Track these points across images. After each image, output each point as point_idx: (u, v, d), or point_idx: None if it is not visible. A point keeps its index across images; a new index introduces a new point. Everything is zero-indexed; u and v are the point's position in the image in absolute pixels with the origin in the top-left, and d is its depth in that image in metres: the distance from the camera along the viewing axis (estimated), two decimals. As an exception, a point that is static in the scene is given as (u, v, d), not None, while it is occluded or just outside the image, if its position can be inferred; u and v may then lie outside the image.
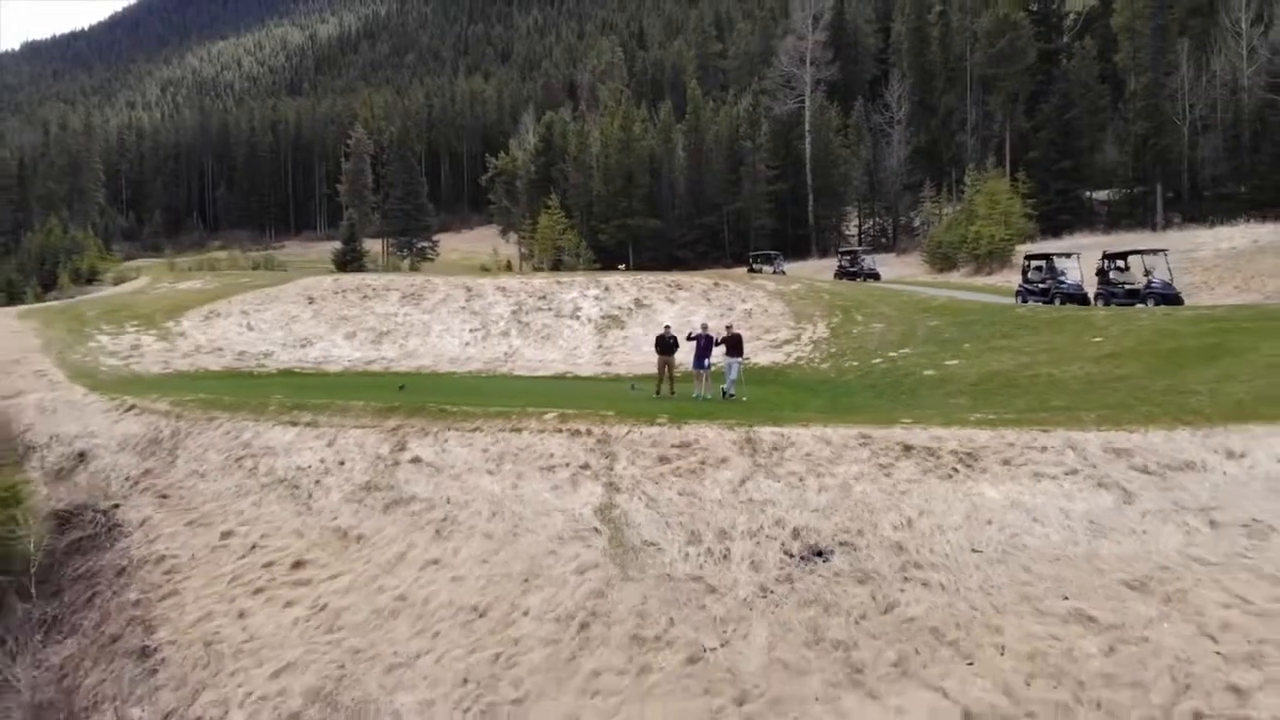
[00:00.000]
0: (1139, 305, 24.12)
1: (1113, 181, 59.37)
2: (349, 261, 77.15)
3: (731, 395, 18.11)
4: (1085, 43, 60.14)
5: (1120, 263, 26.32)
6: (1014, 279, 31.57)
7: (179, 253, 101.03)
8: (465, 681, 9.35)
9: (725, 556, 10.73)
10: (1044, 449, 12.35)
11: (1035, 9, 62.14)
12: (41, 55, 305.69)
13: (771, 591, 9.98)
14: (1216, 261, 31.19)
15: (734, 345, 18.42)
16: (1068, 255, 28.26)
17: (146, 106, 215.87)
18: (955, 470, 11.95)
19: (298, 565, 12.36)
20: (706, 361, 18.30)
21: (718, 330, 19.65)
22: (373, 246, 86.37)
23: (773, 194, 68.16)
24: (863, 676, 8.55)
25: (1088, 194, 59.39)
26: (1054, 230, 51.67)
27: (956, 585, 9.70)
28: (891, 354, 22.73)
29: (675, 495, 12.21)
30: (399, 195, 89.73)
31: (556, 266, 61.15)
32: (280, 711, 9.74)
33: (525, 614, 10.20)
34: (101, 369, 24.67)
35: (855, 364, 23.01)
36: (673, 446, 13.34)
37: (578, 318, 30.35)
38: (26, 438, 19.49)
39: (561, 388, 22.11)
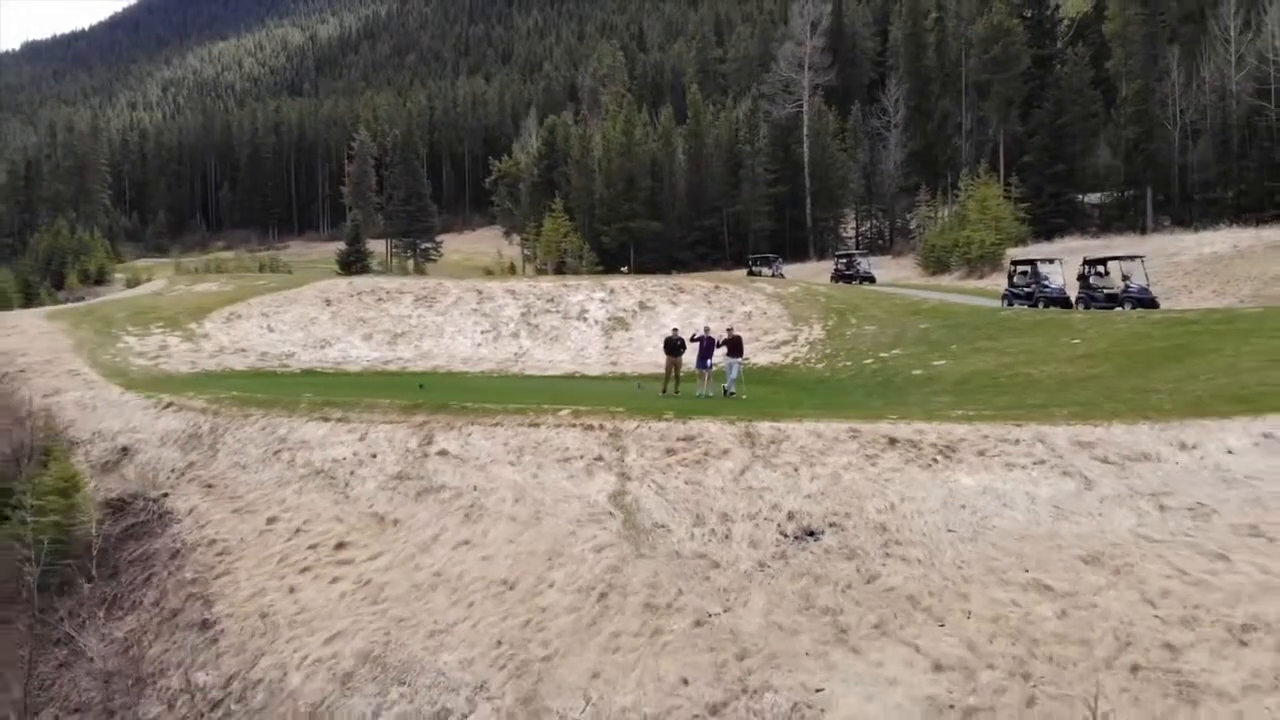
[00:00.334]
0: (1117, 309, 25.45)
1: (1104, 185, 60.73)
2: (353, 262, 78.36)
3: (732, 393, 19.37)
4: (1078, 49, 61.41)
5: (1100, 268, 27.66)
6: (1003, 282, 32.90)
7: (183, 253, 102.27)
8: (500, 643, 10.64)
9: (727, 536, 12.01)
10: (1016, 441, 13.62)
11: (1029, 15, 63.37)
12: (42, 55, 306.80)
13: (768, 566, 11.27)
14: (1197, 266, 32.51)
15: (734, 347, 19.69)
16: (1050, 261, 29.62)
17: (148, 107, 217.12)
18: (935, 460, 13.22)
19: (340, 546, 13.64)
20: (709, 362, 19.57)
21: (719, 332, 20.93)
22: (376, 247, 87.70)
23: (772, 197, 69.51)
24: (847, 636, 9.84)
25: (1080, 197, 60.69)
26: (1046, 233, 52.90)
27: (931, 560, 10.98)
28: (883, 355, 24.04)
29: (681, 483, 13.48)
30: (402, 197, 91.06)
31: (560, 268, 62.46)
32: (335, 671, 11.02)
33: (550, 586, 11.49)
34: (132, 369, 25.92)
35: (848, 364, 24.31)
36: (678, 440, 14.61)
37: (584, 320, 31.67)
38: (69, 433, 20.75)
39: (571, 386, 23.37)
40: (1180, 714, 8.68)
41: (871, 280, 44.11)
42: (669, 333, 21.60)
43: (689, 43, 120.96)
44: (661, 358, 21.29)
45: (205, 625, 12.82)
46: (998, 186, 49.92)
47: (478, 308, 32.75)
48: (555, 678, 9.94)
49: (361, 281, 37.55)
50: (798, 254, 66.33)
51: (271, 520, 14.83)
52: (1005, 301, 29.95)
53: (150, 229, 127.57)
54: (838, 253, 55.19)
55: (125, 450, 19.07)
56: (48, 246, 78.83)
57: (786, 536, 11.84)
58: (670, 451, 14.33)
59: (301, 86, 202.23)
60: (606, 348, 29.75)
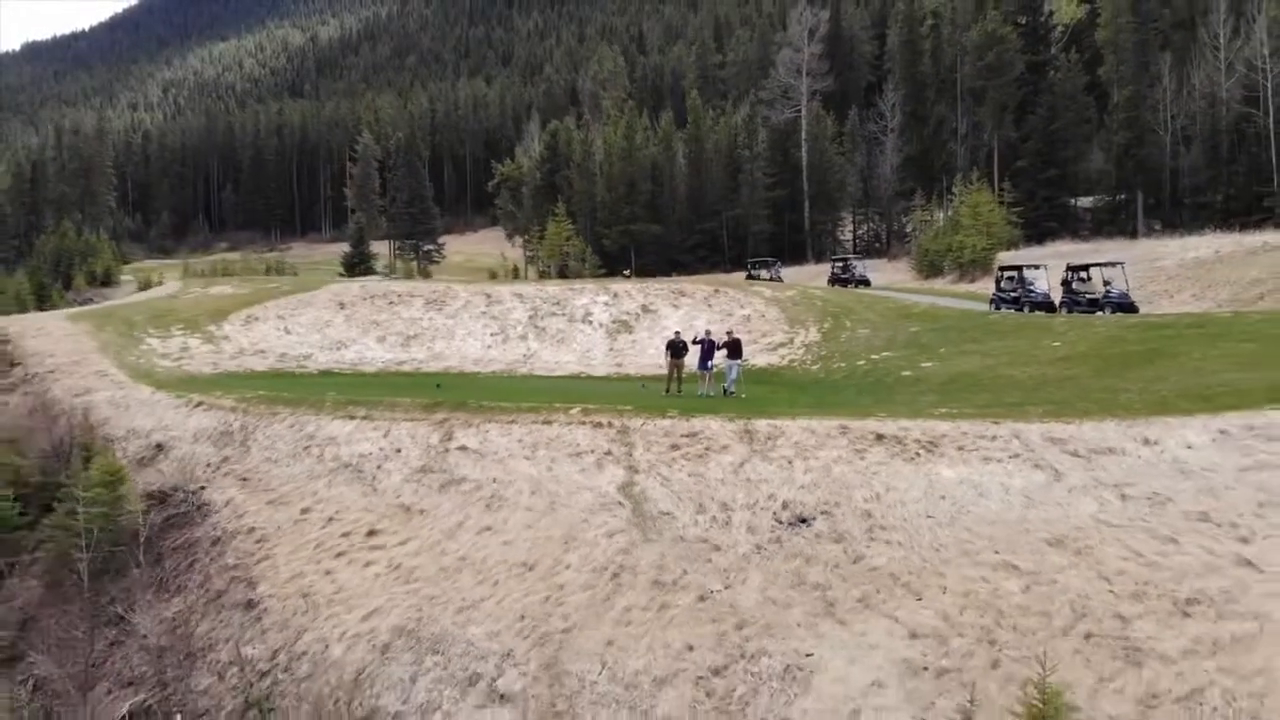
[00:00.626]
0: (1098, 313, 26.67)
1: (1096, 189, 61.95)
2: (357, 264, 79.58)
3: (732, 393, 20.55)
4: (1071, 55, 62.62)
5: (1082, 274, 28.90)
6: (992, 286, 34.08)
7: (190, 254, 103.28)
8: (523, 617, 11.83)
9: (727, 523, 13.21)
10: (993, 438, 14.79)
11: (1023, 23, 64.52)
12: (42, 56, 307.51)
13: (764, 549, 12.47)
14: (1180, 270, 33.72)
15: (734, 349, 20.89)
16: (1035, 267, 30.90)
17: (149, 108, 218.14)
18: (918, 454, 14.41)
19: (371, 534, 14.84)
20: (710, 363, 20.77)
21: (719, 336, 22.12)
22: (380, 249, 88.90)
23: (770, 200, 70.74)
24: (834, 609, 11.04)
25: (1073, 201, 61.84)
26: (1039, 237, 54.00)
27: (912, 543, 12.18)
28: (874, 356, 25.25)
29: (685, 475, 14.67)
30: (405, 199, 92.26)
31: (563, 271, 63.70)
32: (373, 643, 12.21)
33: (567, 567, 12.69)
34: (157, 369, 27.09)
35: (842, 365, 25.53)
36: (682, 436, 15.80)
37: (590, 322, 32.91)
38: (103, 431, 21.91)
39: (578, 386, 24.54)
40: (1126, 674, 9.87)
41: (867, 284, 45.29)
42: (671, 335, 22.78)
43: (689, 46, 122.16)
44: (664, 359, 22.47)
45: (250, 605, 14.01)
46: (989, 192, 51.11)
47: (486, 311, 33.99)
48: (574, 646, 11.14)
49: (374, 285, 38.78)
50: (796, 257, 67.57)
51: (305, 510, 16.02)
52: (993, 306, 31.19)
53: (154, 230, 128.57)
54: (834, 257, 56.44)
55: (159, 447, 20.25)
56: (54, 248, 79.71)
57: (781, 523, 13.03)
58: (675, 446, 15.51)
59: (302, 88, 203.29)
60: (611, 349, 30.98)
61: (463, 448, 16.75)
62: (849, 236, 75.72)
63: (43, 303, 55.33)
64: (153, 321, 32.38)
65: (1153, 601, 10.86)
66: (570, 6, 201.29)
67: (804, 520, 13.05)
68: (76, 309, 41.98)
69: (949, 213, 55.34)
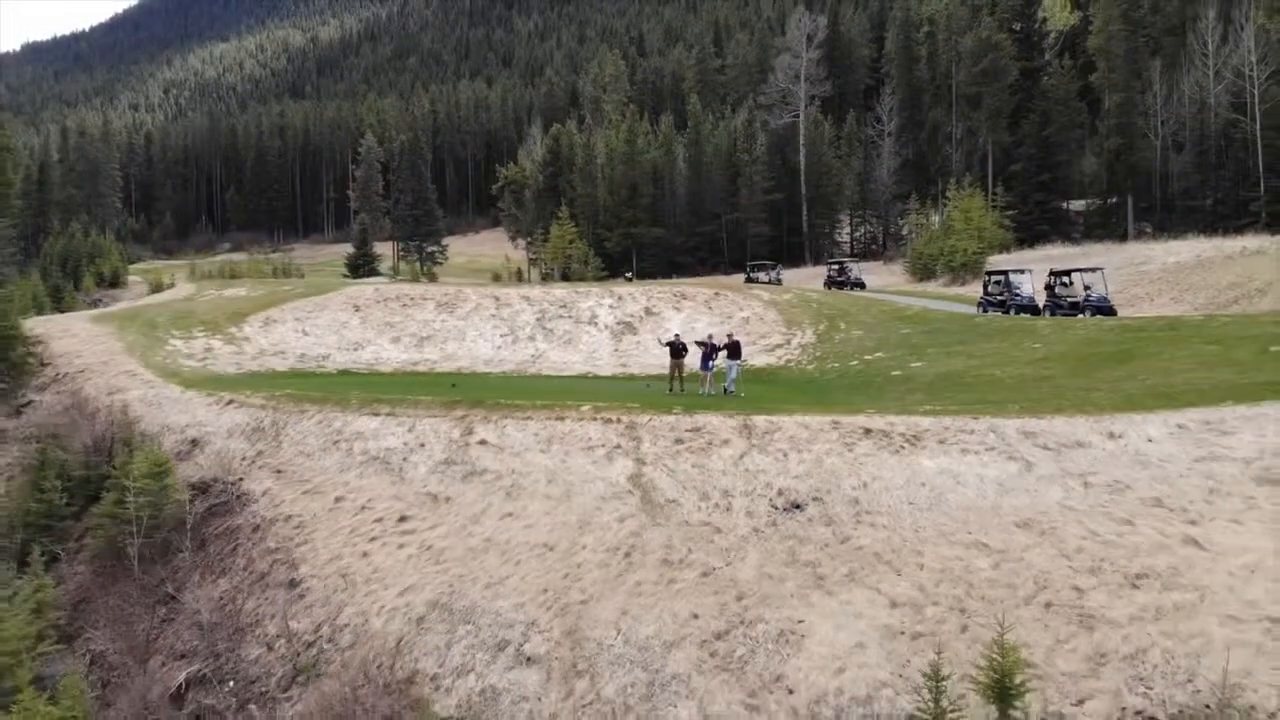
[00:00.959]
0: (1079, 316, 28.04)
1: (1088, 193, 63.33)
2: (361, 265, 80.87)
3: (732, 391, 21.90)
4: (1064, 62, 63.97)
5: (1065, 278, 30.28)
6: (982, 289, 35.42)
7: (195, 254, 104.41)
8: (545, 591, 13.19)
9: (728, 509, 14.57)
10: (972, 432, 16.14)
11: (1017, 29, 65.81)
12: (43, 56, 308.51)
13: (761, 531, 13.82)
14: (1161, 275, 35.13)
15: (734, 350, 22.24)
16: (1021, 271, 32.30)
17: (149, 108, 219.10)
18: (902, 447, 15.76)
19: (402, 520, 16.18)
20: (710, 364, 22.14)
21: (720, 338, 23.48)
22: (383, 250, 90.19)
23: (769, 203, 72.13)
24: (824, 582, 12.41)
25: (1065, 205, 63.21)
26: (1031, 240, 55.36)
27: (894, 526, 13.54)
28: (867, 357, 26.63)
29: (689, 467, 16.03)
30: (409, 201, 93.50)
31: (566, 272, 65.05)
32: (410, 616, 13.56)
33: (583, 548, 14.04)
34: (184, 369, 28.39)
35: (836, 365, 26.90)
36: (686, 431, 17.16)
37: (595, 324, 34.28)
38: (139, 427, 23.23)
39: (586, 386, 25.87)
40: (1080, 637, 11.24)
41: (862, 286, 46.68)
42: (672, 337, 24.15)
43: (689, 49, 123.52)
44: (667, 359, 23.83)
45: (292, 584, 15.35)
46: (981, 197, 52.46)
47: (496, 313, 35.35)
48: (591, 615, 12.50)
49: (386, 288, 40.09)
50: (794, 259, 69.01)
51: (339, 499, 17.36)
52: (980, 308, 32.57)
53: (156, 231, 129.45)
54: (830, 260, 57.78)
55: (195, 442, 21.57)
56: (62, 250, 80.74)
57: (777, 508, 14.39)
58: (679, 440, 16.87)
59: (303, 88, 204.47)
60: (616, 350, 32.35)
61: (483, 442, 18.08)
62: (846, 239, 77.12)
63: (59, 305, 56.53)
64: (175, 323, 33.69)
65: (1107, 575, 12.22)
66: (570, 8, 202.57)
67: (798, 506, 14.41)
68: (98, 311, 43.24)
69: (943, 216, 56.68)
